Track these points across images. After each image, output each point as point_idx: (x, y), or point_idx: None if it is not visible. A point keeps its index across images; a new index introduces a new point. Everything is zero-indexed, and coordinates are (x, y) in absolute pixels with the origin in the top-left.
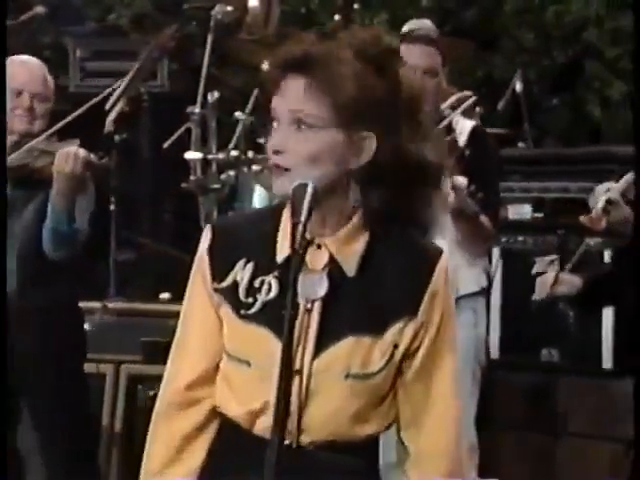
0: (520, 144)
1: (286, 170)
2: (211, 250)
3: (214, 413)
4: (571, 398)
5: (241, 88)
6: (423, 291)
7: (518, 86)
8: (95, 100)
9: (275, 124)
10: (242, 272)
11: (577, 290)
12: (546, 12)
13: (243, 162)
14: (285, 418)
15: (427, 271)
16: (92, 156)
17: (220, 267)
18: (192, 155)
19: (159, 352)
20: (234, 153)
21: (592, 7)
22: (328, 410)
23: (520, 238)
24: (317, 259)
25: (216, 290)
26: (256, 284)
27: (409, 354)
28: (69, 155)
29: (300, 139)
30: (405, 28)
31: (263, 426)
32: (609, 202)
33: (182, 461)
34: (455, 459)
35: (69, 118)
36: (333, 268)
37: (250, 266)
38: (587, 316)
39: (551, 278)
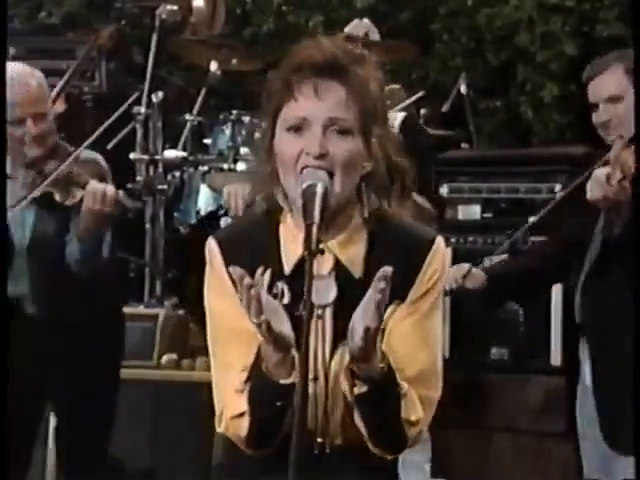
0: (463, 145)
1: (330, 175)
2: (226, 262)
3: None
4: (521, 396)
5: (187, 88)
6: (414, 278)
7: (463, 88)
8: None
9: (292, 127)
10: (262, 279)
11: (481, 286)
12: (478, 15)
13: (190, 163)
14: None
15: (419, 259)
16: (120, 194)
17: None
18: (138, 156)
19: None
20: (181, 154)
21: (523, 11)
22: (350, 408)
23: (470, 238)
24: (322, 264)
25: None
26: (274, 290)
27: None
28: (97, 194)
29: (338, 145)
30: (347, 29)
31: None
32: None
33: None
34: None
35: (99, 131)
36: (339, 271)
37: (268, 273)
38: (536, 314)
39: (464, 269)
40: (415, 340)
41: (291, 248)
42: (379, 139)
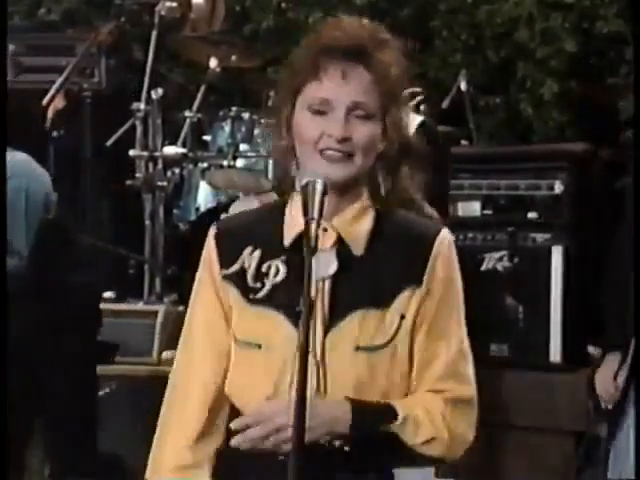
0: (463, 142)
1: (350, 156)
2: (218, 239)
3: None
4: (520, 392)
5: (186, 85)
6: (425, 261)
7: (463, 85)
8: None
9: (314, 108)
10: (250, 258)
11: None
12: (478, 12)
13: (190, 160)
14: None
15: (428, 243)
16: None
17: (227, 254)
18: (137, 152)
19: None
20: (181, 150)
21: (523, 7)
22: (345, 386)
23: (470, 235)
24: (324, 240)
25: (224, 277)
26: (264, 269)
27: (418, 324)
28: None
29: (359, 129)
30: None
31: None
32: None
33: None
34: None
35: None
36: (340, 247)
37: (257, 253)
38: (536, 310)
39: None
40: (432, 345)
41: (294, 222)
42: (394, 120)
